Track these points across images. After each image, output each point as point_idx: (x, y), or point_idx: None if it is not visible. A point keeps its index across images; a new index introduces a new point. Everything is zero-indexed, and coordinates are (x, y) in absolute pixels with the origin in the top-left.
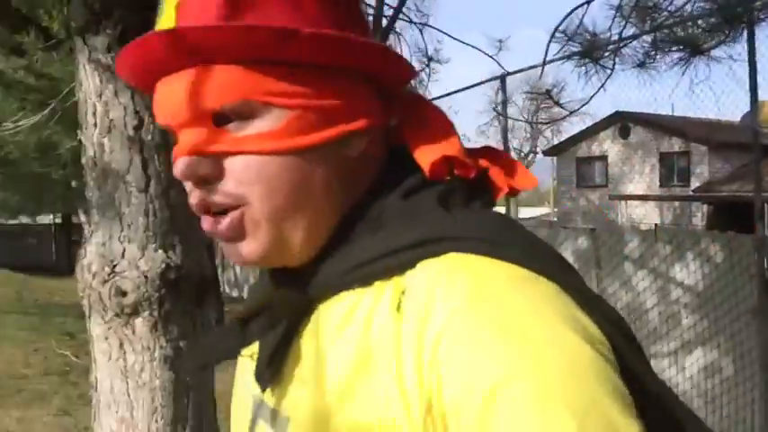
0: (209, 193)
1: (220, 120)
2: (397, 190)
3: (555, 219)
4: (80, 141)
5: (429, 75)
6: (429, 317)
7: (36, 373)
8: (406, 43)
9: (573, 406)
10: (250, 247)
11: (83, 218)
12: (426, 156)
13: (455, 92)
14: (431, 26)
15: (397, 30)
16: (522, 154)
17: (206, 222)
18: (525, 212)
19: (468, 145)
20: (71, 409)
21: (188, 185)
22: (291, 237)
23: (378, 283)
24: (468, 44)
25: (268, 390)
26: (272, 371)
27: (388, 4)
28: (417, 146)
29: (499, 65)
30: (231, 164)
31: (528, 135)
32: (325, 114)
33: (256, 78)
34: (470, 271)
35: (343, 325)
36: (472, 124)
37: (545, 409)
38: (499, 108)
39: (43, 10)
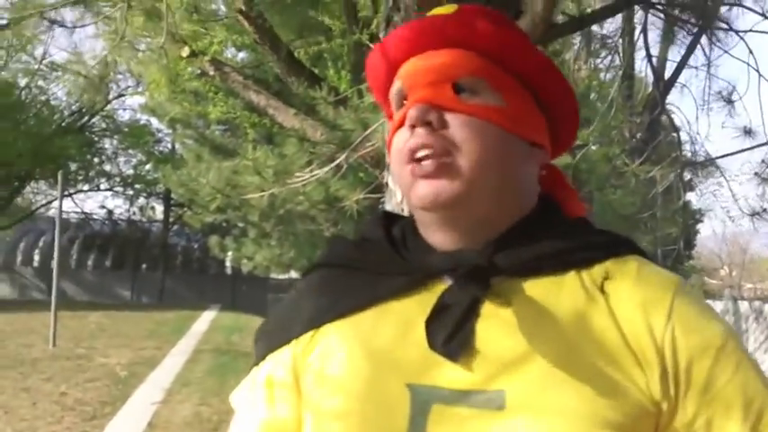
0: (430, 136)
1: (461, 89)
2: (559, 211)
3: None
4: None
5: None
6: (648, 299)
7: None
8: None
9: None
10: (446, 186)
11: None
12: (572, 207)
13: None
14: None
15: None
16: None
17: (408, 168)
18: None
19: None
20: None
21: (406, 133)
22: (479, 196)
23: (572, 272)
24: None
25: (442, 371)
26: (462, 340)
27: None
28: (565, 201)
29: None
30: (454, 120)
31: None
32: (528, 119)
33: (493, 71)
34: (659, 267)
35: (549, 302)
36: None
37: (748, 358)
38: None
39: (333, 70)
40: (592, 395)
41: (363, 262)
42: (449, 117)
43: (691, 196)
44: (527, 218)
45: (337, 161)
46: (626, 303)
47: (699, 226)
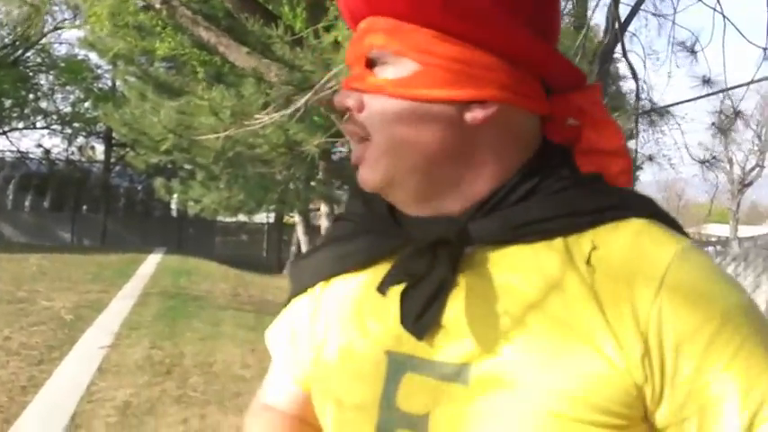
0: (349, 122)
1: (373, 63)
2: (564, 168)
3: None
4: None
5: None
6: (636, 271)
7: (253, 375)
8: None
9: None
10: (367, 174)
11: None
12: (589, 161)
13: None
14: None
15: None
16: (747, 168)
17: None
18: (744, 231)
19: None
20: None
21: None
22: (404, 178)
23: (558, 239)
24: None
25: (415, 342)
26: (429, 319)
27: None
28: (585, 152)
29: None
30: (368, 101)
31: (756, 148)
32: (448, 76)
33: (400, 33)
34: (663, 234)
35: (523, 273)
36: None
37: (758, 337)
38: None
39: (288, 7)
40: (562, 377)
41: (369, 220)
42: (365, 98)
43: (633, 144)
44: (510, 181)
45: (300, 103)
46: (610, 277)
47: (638, 173)
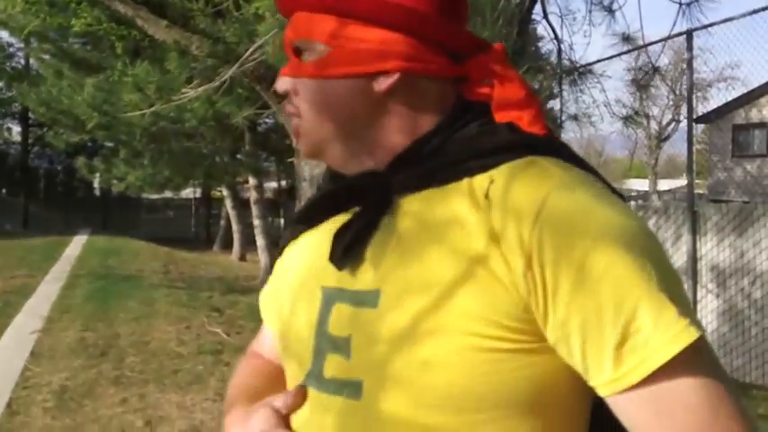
0: (288, 103)
1: (299, 52)
2: (477, 121)
3: (702, 191)
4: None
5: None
6: (522, 197)
7: (190, 352)
8: None
9: (652, 256)
10: (301, 144)
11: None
12: (502, 115)
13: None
14: None
15: None
16: (663, 123)
17: None
18: (662, 185)
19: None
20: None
21: None
22: (330, 144)
23: (465, 180)
24: None
25: (345, 275)
26: (354, 255)
27: None
28: (497, 106)
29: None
30: (298, 84)
31: (670, 103)
32: (354, 54)
33: (313, 22)
34: (554, 165)
35: (436, 213)
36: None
37: (630, 254)
38: (638, 75)
39: None
40: (460, 296)
41: (327, 181)
42: (297, 82)
43: (553, 103)
44: (423, 136)
45: (226, 75)
46: (502, 207)
47: (561, 132)
